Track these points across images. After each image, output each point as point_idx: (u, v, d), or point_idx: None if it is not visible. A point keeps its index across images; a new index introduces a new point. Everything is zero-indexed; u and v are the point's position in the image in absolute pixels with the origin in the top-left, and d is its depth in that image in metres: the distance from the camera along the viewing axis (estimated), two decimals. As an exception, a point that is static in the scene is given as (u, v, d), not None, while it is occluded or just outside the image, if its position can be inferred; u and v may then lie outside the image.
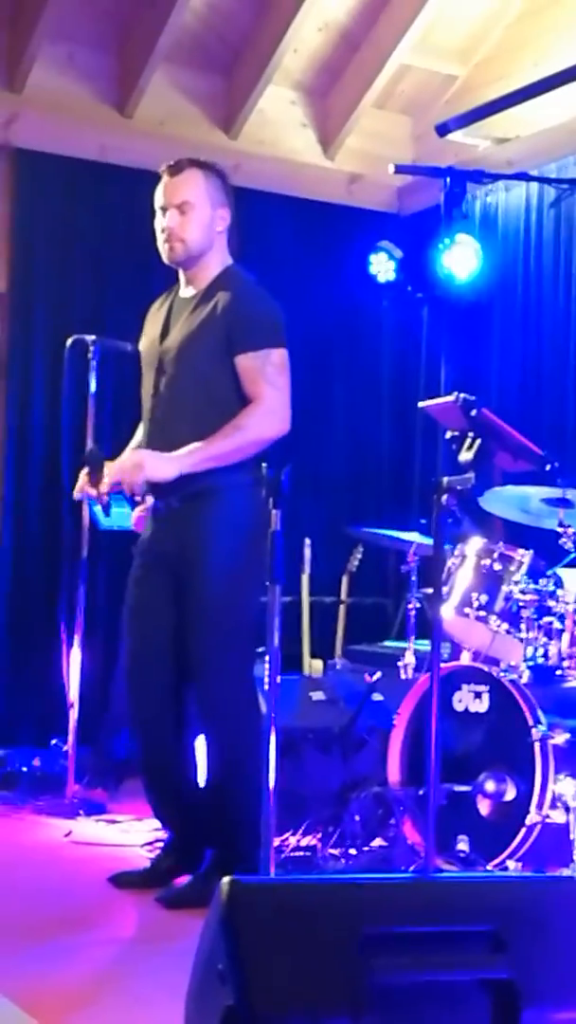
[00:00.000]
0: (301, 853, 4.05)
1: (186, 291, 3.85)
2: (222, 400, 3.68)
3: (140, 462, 3.63)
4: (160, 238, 3.81)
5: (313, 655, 5.95)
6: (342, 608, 6.20)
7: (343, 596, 6.21)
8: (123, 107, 6.13)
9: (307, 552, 5.97)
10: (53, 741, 5.30)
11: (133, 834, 4.52)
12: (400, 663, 4.77)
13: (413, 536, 5.01)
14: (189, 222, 3.75)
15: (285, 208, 6.53)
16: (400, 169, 3.36)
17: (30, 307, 6.00)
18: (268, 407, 3.65)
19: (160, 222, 3.81)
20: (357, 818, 4.07)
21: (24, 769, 5.14)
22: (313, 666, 5.88)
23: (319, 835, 4.09)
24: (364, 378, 6.81)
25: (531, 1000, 2.06)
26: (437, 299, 3.21)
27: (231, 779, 3.64)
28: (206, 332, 3.69)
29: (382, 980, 2.05)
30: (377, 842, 4.12)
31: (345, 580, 6.21)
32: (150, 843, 4.32)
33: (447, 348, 6.19)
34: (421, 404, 3.20)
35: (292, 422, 6.59)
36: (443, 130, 4.85)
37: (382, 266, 6.25)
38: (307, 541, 5.97)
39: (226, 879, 2.11)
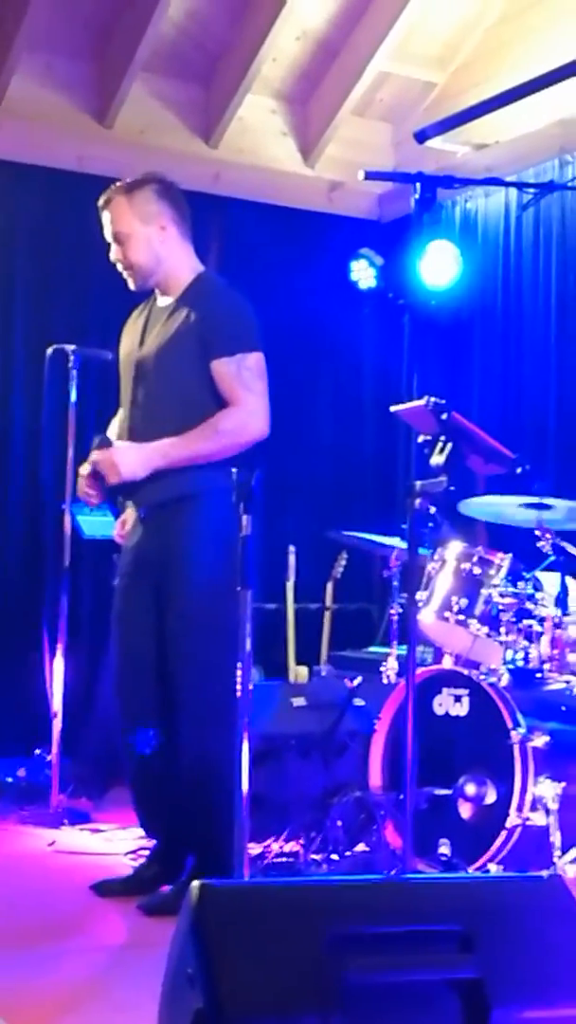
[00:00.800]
0: (283, 859, 4.05)
1: (162, 300, 3.88)
2: (199, 406, 3.68)
3: (115, 462, 3.65)
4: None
5: (299, 662, 5.95)
6: (327, 614, 6.20)
7: (328, 603, 6.22)
8: (102, 117, 6.14)
9: (292, 559, 5.97)
10: (37, 751, 5.29)
11: (117, 843, 4.52)
12: (382, 668, 4.77)
13: (395, 541, 5.02)
14: (129, 250, 3.80)
15: (265, 216, 6.55)
16: (370, 175, 3.36)
17: (10, 317, 6.01)
18: (246, 410, 3.68)
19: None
20: (339, 823, 4.07)
21: (8, 779, 5.14)
22: (299, 673, 5.88)
23: (301, 841, 4.09)
24: (346, 385, 6.83)
25: (500, 999, 2.06)
26: (417, 305, 3.23)
27: (207, 784, 3.63)
28: (181, 339, 3.71)
29: (351, 980, 2.05)
30: (360, 847, 4.12)
31: (330, 587, 6.21)
32: (134, 851, 4.32)
33: (428, 354, 6.21)
34: (393, 408, 3.20)
35: (274, 429, 6.60)
36: (422, 137, 4.84)
37: (363, 273, 6.25)
38: (291, 548, 5.98)
39: (195, 883, 2.11)
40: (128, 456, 3.65)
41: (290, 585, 5.95)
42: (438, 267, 5.94)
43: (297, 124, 6.59)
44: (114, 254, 3.84)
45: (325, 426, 6.78)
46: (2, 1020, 2.76)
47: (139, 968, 3.16)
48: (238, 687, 3.00)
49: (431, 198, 3.17)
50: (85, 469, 3.76)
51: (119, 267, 3.85)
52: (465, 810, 3.91)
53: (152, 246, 3.78)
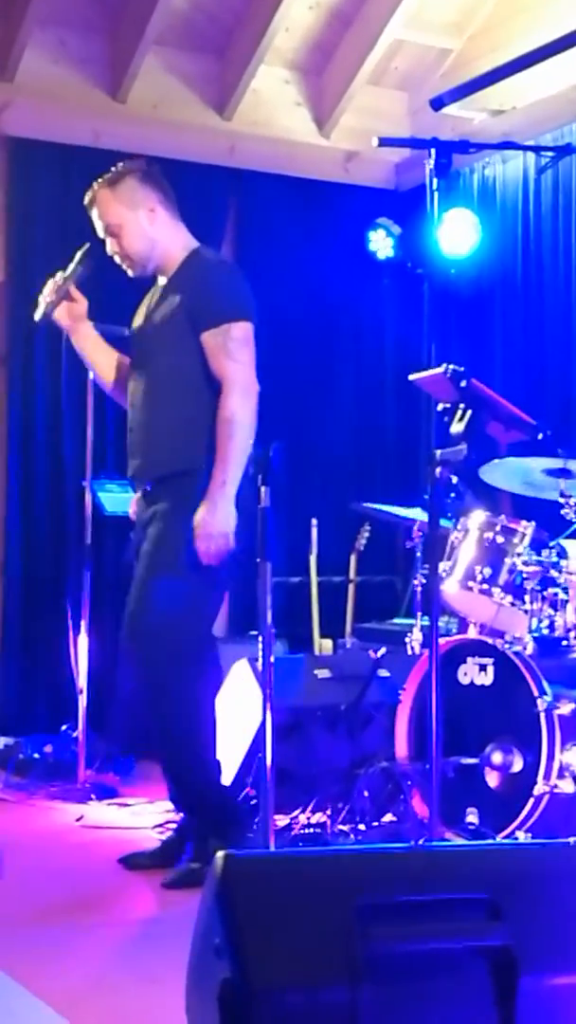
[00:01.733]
0: (311, 830, 4.06)
1: (162, 280, 3.93)
2: (189, 379, 3.73)
3: (210, 534, 3.64)
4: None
5: (323, 635, 5.95)
6: (351, 587, 6.19)
7: (351, 575, 6.20)
8: (116, 92, 6.11)
9: (314, 532, 5.96)
10: (64, 727, 5.31)
11: (145, 817, 4.54)
12: (407, 639, 4.76)
13: (417, 512, 5.00)
14: (123, 241, 3.84)
15: (281, 188, 6.51)
16: (384, 142, 3.33)
17: (29, 295, 5.98)
18: (239, 387, 3.71)
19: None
20: (366, 794, 4.08)
21: (36, 756, 5.16)
22: (323, 646, 5.88)
23: (328, 812, 4.09)
24: (366, 356, 6.79)
25: (528, 967, 2.05)
26: (436, 274, 3.19)
27: (176, 749, 3.73)
28: (172, 316, 3.76)
29: (378, 950, 2.04)
30: (387, 817, 4.13)
31: (353, 559, 6.20)
32: (161, 825, 4.33)
33: (448, 323, 6.19)
34: (412, 377, 3.18)
35: (294, 402, 6.64)
36: (438, 104, 4.80)
37: (381, 243, 6.24)
38: (314, 521, 5.97)
39: (220, 853, 2.11)
40: (209, 521, 3.64)
41: (313, 558, 5.95)
42: (457, 235, 5.92)
43: (312, 94, 6.54)
44: (110, 247, 3.88)
45: (345, 398, 6.75)
46: (31, 994, 2.78)
47: (168, 940, 3.17)
48: (259, 660, 2.99)
49: (447, 164, 3.14)
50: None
51: (116, 259, 3.90)
52: (492, 779, 3.91)
53: (145, 231, 3.82)
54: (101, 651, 5.20)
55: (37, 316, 3.96)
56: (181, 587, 3.68)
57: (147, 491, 3.84)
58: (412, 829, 3.95)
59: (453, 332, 6.18)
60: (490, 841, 3.62)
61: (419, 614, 4.81)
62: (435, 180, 3.09)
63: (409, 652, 4.54)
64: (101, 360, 4.05)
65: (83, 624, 4.99)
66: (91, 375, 5.05)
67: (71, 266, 3.95)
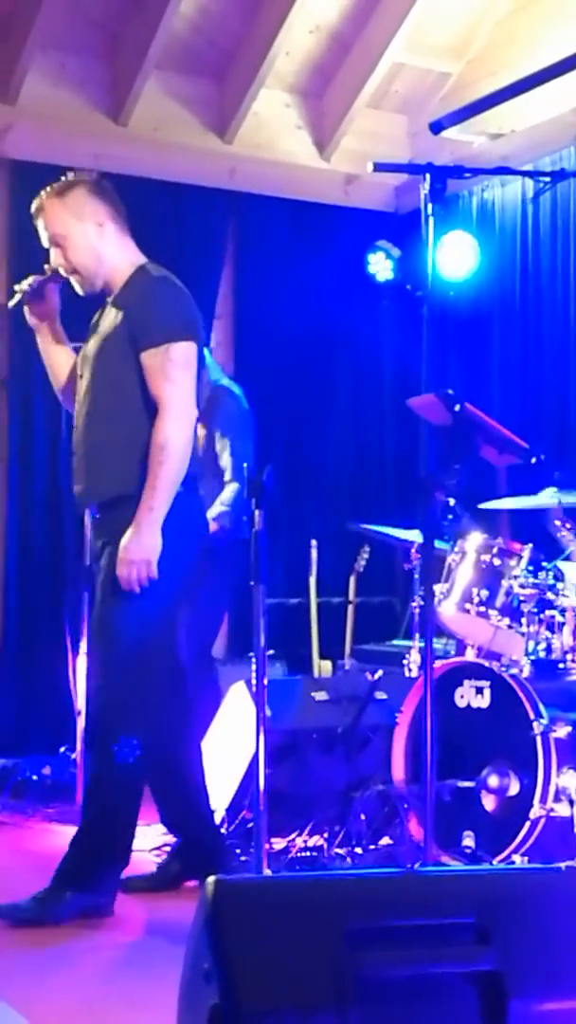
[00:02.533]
0: (307, 853, 4.05)
1: (110, 298, 3.80)
2: (129, 400, 3.62)
3: (132, 560, 3.53)
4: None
5: (323, 656, 5.95)
6: (350, 608, 6.19)
7: (351, 596, 6.20)
8: (117, 115, 6.14)
9: (314, 553, 5.97)
10: (62, 749, 5.30)
11: (141, 839, 4.51)
12: (404, 661, 4.76)
13: (415, 534, 5.00)
14: (69, 252, 3.71)
15: (282, 210, 6.56)
16: (379, 167, 3.34)
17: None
18: (175, 410, 3.58)
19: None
20: (363, 817, 4.07)
21: (34, 777, 5.15)
22: (323, 667, 5.88)
23: (325, 835, 4.09)
24: (366, 378, 6.81)
25: (518, 991, 2.05)
26: (434, 296, 3.21)
27: (93, 786, 3.67)
28: (113, 335, 3.66)
29: (367, 974, 2.04)
30: (384, 841, 4.12)
31: (353, 580, 6.20)
32: (158, 848, 4.31)
33: (446, 346, 6.20)
34: (408, 401, 3.19)
35: (293, 423, 6.64)
36: (437, 128, 4.84)
37: (380, 265, 6.27)
38: (313, 543, 5.98)
39: (210, 878, 2.11)
40: (132, 548, 3.54)
41: (312, 579, 5.95)
42: (456, 258, 5.94)
43: (312, 117, 6.57)
44: (54, 259, 3.75)
45: (344, 420, 6.77)
46: (22, 1017, 2.77)
47: (161, 965, 3.14)
48: (254, 682, 2.99)
49: (442, 189, 3.15)
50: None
51: (62, 272, 3.76)
52: (489, 802, 3.90)
53: (91, 244, 3.70)
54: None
55: (11, 303, 3.85)
56: (138, 627, 3.60)
57: (95, 518, 3.79)
58: (408, 852, 3.94)
59: (451, 355, 6.21)
60: (479, 866, 3.61)
61: (417, 636, 4.82)
62: (430, 204, 3.10)
63: (407, 674, 4.54)
64: (62, 363, 3.91)
65: (82, 645, 4.99)
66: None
67: (54, 268, 3.81)
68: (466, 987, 2.07)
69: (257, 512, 2.89)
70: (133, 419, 3.61)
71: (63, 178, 3.81)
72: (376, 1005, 2.04)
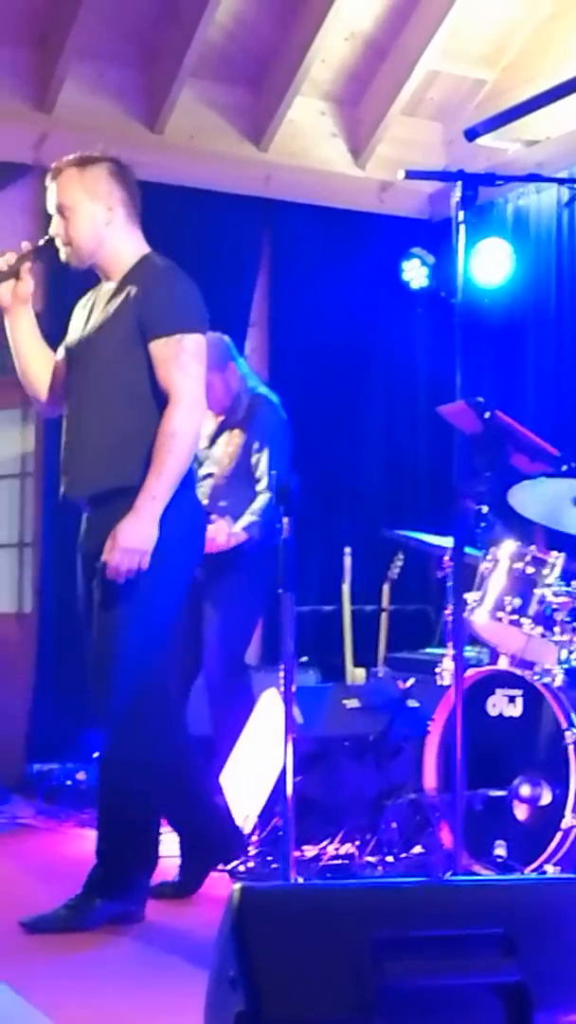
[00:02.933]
0: (339, 861, 4.04)
1: (107, 285, 3.72)
2: (134, 389, 3.55)
3: (127, 548, 3.46)
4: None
5: (357, 664, 5.95)
6: (384, 616, 6.18)
7: (385, 604, 6.20)
8: (153, 123, 6.17)
9: (347, 561, 5.97)
10: (96, 754, 5.31)
11: (172, 845, 4.52)
12: (437, 669, 4.75)
13: (449, 541, 4.98)
14: (70, 225, 3.62)
15: (317, 218, 6.56)
16: (411, 175, 3.34)
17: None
18: (187, 401, 3.51)
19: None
20: (394, 825, 4.06)
21: (68, 783, 5.18)
22: (356, 675, 5.88)
23: (356, 843, 4.08)
24: (400, 385, 6.80)
25: (543, 1003, 2.05)
26: (468, 303, 3.21)
27: (115, 793, 3.60)
28: (118, 321, 3.57)
29: (392, 984, 2.04)
30: (415, 849, 4.11)
31: (387, 588, 6.19)
32: (189, 854, 4.32)
33: (481, 353, 6.19)
34: (439, 408, 3.18)
35: (328, 430, 6.63)
36: (472, 135, 4.84)
37: (415, 272, 6.25)
38: (347, 550, 5.98)
39: (236, 886, 2.12)
40: (129, 535, 3.46)
41: (346, 587, 5.96)
42: (491, 265, 5.93)
43: (347, 125, 6.58)
44: (54, 227, 3.66)
45: (379, 427, 6.77)
46: (42, 1014, 2.78)
47: (189, 972, 3.16)
48: (281, 689, 2.99)
49: (473, 196, 3.15)
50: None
51: (58, 241, 3.66)
52: (520, 811, 3.88)
53: (96, 225, 3.62)
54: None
55: None
56: (142, 626, 3.56)
57: (88, 513, 3.68)
58: (440, 861, 3.92)
59: (486, 362, 6.19)
60: (506, 876, 3.59)
61: (450, 644, 4.80)
62: (462, 212, 3.10)
63: (439, 682, 4.53)
64: (32, 352, 3.77)
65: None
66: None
67: (38, 244, 3.70)
68: (492, 998, 2.07)
69: (285, 520, 2.89)
70: (137, 408, 3.54)
71: (89, 152, 3.74)
72: (401, 1015, 2.04)
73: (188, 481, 3.63)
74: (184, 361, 3.52)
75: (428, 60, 6.23)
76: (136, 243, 3.72)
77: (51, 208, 3.67)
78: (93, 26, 5.79)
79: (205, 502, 5.00)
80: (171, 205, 6.25)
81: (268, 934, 2.08)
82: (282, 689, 2.92)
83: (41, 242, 3.70)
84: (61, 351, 3.82)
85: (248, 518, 4.85)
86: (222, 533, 4.77)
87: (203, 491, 5.05)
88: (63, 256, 3.69)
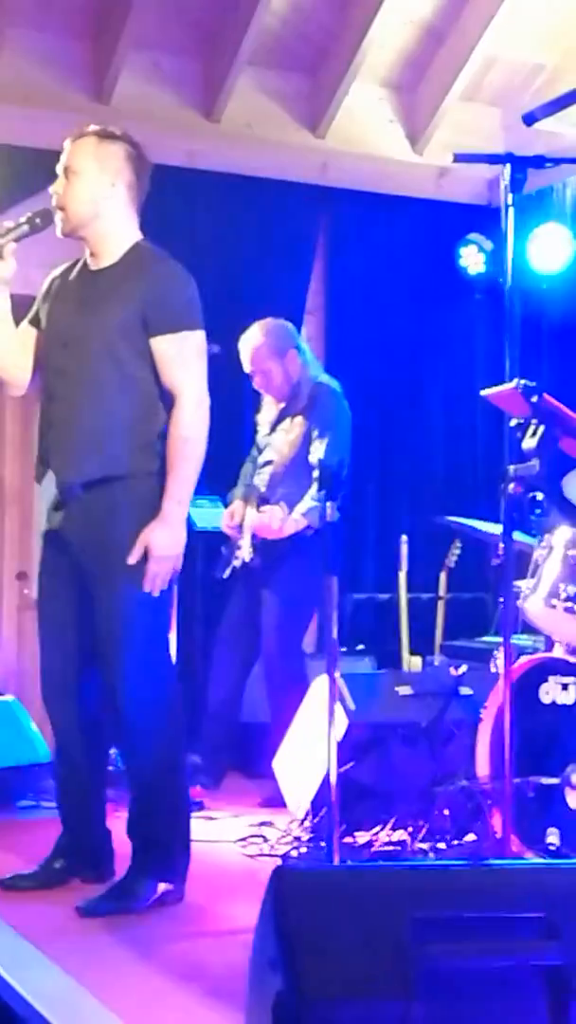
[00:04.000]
0: (391, 848, 4.04)
1: (91, 263, 3.67)
2: (132, 377, 3.53)
3: (165, 556, 3.49)
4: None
5: (413, 652, 5.94)
6: (440, 604, 6.17)
7: (441, 592, 6.18)
8: (210, 112, 6.18)
9: (404, 549, 5.96)
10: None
11: (228, 830, 4.55)
12: (493, 657, 4.73)
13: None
14: (70, 188, 3.59)
15: (373, 205, 6.55)
16: (459, 158, 3.33)
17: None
18: (193, 401, 3.53)
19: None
20: (446, 812, 4.05)
21: (111, 767, 5.19)
22: (412, 663, 5.87)
23: (408, 830, 4.08)
24: (457, 371, 6.76)
25: (585, 988, 2.04)
26: (526, 290, 3.18)
27: (154, 775, 3.63)
28: (119, 307, 3.53)
29: (433, 965, 2.04)
30: (468, 836, 4.10)
31: (443, 576, 6.18)
32: (244, 839, 4.35)
33: (538, 337, 6.14)
34: (483, 392, 3.16)
35: (385, 417, 6.61)
36: (530, 119, 4.79)
37: (472, 259, 6.24)
38: (404, 538, 5.97)
39: (276, 867, 2.13)
40: (166, 544, 3.49)
41: (402, 575, 5.94)
42: (549, 251, 5.89)
43: (404, 111, 6.55)
44: (55, 186, 3.63)
45: (436, 414, 6.74)
46: (101, 1003, 2.81)
47: (234, 953, 3.17)
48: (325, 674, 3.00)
49: (522, 179, 3.12)
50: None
51: (54, 200, 3.62)
52: (573, 799, 3.85)
53: (95, 196, 3.58)
54: (187, 666, 5.24)
55: None
56: (154, 613, 3.59)
57: (66, 498, 3.60)
58: (492, 848, 3.91)
59: (543, 347, 6.14)
60: (548, 860, 3.57)
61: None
62: (511, 195, 3.08)
63: (492, 670, 4.51)
64: (5, 332, 3.68)
65: (171, 638, 5.03)
66: None
67: (14, 224, 3.63)
68: (533, 981, 2.06)
69: (330, 504, 2.89)
70: (135, 396, 3.52)
71: (115, 129, 3.72)
72: (441, 996, 2.04)
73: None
74: (188, 359, 3.54)
75: (486, 45, 6.18)
76: (131, 227, 3.67)
77: (59, 168, 3.65)
78: (149, 15, 5.81)
79: (263, 489, 5.02)
80: (228, 193, 6.28)
81: (308, 915, 2.09)
82: (337, 674, 2.92)
83: (23, 219, 3.63)
84: (26, 325, 3.76)
85: (307, 503, 4.85)
86: (276, 519, 4.78)
87: (262, 478, 5.06)
88: (58, 224, 3.63)
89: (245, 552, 4.99)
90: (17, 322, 3.75)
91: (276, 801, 4.72)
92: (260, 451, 5.16)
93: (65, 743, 3.81)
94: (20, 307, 3.78)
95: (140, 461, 3.54)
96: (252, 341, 5.07)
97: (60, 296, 3.70)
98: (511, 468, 3.01)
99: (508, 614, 3.03)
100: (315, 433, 4.95)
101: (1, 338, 3.71)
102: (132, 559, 3.49)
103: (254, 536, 4.95)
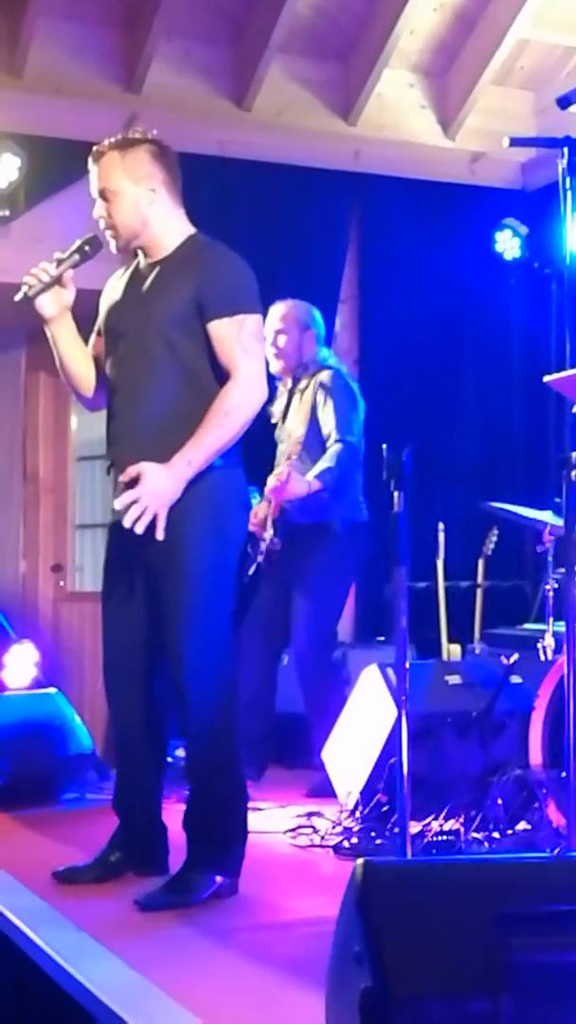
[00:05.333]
0: (444, 838, 4.02)
1: (146, 260, 3.67)
2: (192, 365, 3.52)
3: (148, 489, 3.42)
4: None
5: (451, 640, 5.92)
6: (479, 592, 6.14)
7: (480, 580, 6.16)
8: (241, 100, 6.16)
9: (441, 536, 5.93)
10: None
11: (276, 821, 4.54)
12: (539, 645, 4.70)
13: (547, 515, 4.94)
14: (114, 208, 3.59)
15: (407, 191, 6.52)
16: (516, 142, 3.30)
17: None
18: (248, 382, 3.50)
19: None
20: (500, 802, 4.03)
21: (169, 759, 5.19)
22: (451, 651, 5.85)
23: (462, 819, 4.06)
24: (493, 358, 6.74)
25: None
26: (565, 275, 3.16)
27: (214, 769, 3.61)
28: (176, 297, 3.53)
29: (521, 959, 2.02)
30: (521, 825, 4.08)
31: (481, 563, 6.15)
32: (293, 830, 4.33)
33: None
34: (546, 379, 3.13)
35: (421, 404, 6.59)
36: (564, 103, 4.76)
37: (508, 243, 6.21)
38: (441, 525, 5.94)
39: (359, 861, 2.11)
40: (161, 490, 3.43)
41: (440, 562, 5.92)
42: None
43: (436, 96, 6.52)
44: (98, 211, 3.63)
45: (472, 400, 6.72)
46: (171, 999, 2.80)
47: (307, 946, 3.16)
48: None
49: (578, 163, 3.09)
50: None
51: (101, 224, 3.64)
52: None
53: (139, 207, 3.57)
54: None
55: (18, 297, 3.62)
56: (219, 600, 3.55)
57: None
58: (547, 838, 3.89)
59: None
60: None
61: (551, 619, 4.76)
62: (568, 179, 3.05)
63: (542, 658, 4.49)
64: (75, 356, 3.75)
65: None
66: None
67: (69, 251, 3.65)
68: (623, 974, 2.04)
69: (397, 494, 2.87)
70: (194, 384, 3.52)
71: (129, 133, 3.69)
72: (530, 990, 2.02)
73: (233, 456, 3.59)
74: (246, 342, 3.51)
75: (518, 28, 6.15)
76: (181, 221, 3.68)
77: (94, 192, 3.65)
78: (180, 4, 5.79)
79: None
80: (260, 182, 6.25)
81: (393, 910, 2.07)
82: (391, 665, 2.90)
83: (73, 247, 3.66)
84: (93, 338, 3.80)
85: (323, 464, 4.83)
86: (297, 482, 4.74)
87: (282, 460, 5.02)
88: (111, 243, 3.66)
89: (266, 536, 4.95)
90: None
91: (322, 791, 4.72)
92: (279, 443, 5.15)
93: (126, 737, 3.79)
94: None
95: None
96: (282, 306, 5.11)
97: (117, 294, 3.71)
98: (574, 455, 2.99)
99: (571, 602, 3.00)
100: (319, 399, 4.95)
101: (72, 357, 3.75)
102: (123, 477, 3.44)
103: (276, 520, 4.93)
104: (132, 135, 3.68)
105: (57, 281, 3.63)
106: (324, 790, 4.76)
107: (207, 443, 3.46)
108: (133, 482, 3.45)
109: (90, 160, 3.65)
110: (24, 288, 3.62)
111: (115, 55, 5.98)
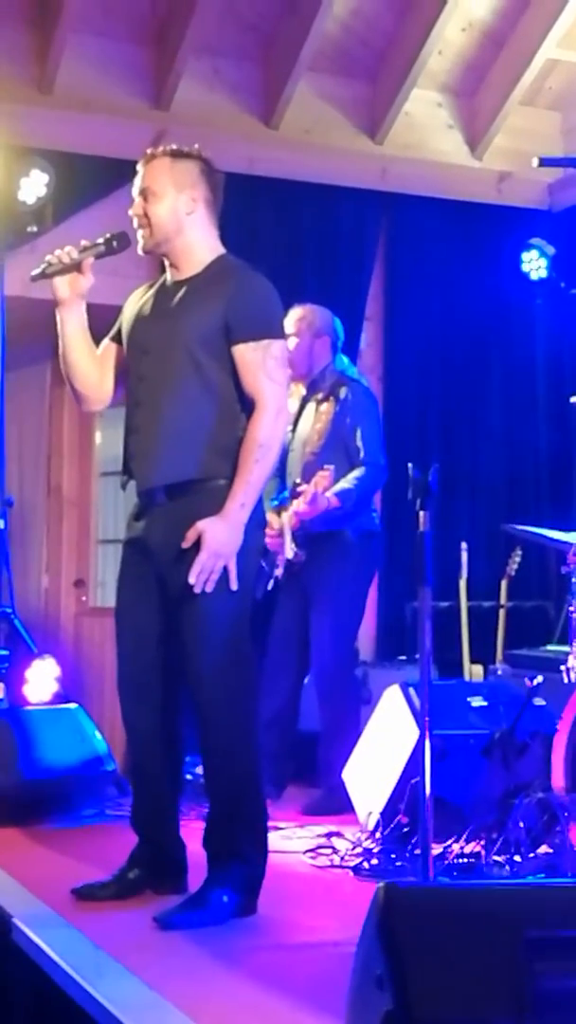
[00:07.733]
0: (465, 860, 3.99)
1: (173, 276, 3.66)
2: (215, 385, 3.51)
3: (219, 552, 3.43)
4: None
5: (473, 660, 5.88)
6: (502, 612, 6.10)
7: (502, 600, 6.12)
8: (269, 118, 6.18)
9: (464, 556, 5.90)
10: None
11: (295, 841, 4.52)
12: (562, 667, 4.66)
13: (572, 536, 4.91)
14: (150, 207, 3.58)
15: (433, 210, 6.53)
16: (545, 162, 3.29)
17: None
18: (273, 409, 3.49)
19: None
20: (521, 824, 3.99)
21: (188, 777, 5.17)
22: (473, 671, 5.81)
23: (483, 842, 4.02)
24: (519, 377, 6.73)
25: None
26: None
27: (235, 788, 3.59)
28: (203, 316, 3.52)
29: (546, 985, 2.00)
30: (543, 849, 4.04)
31: (504, 584, 6.11)
32: (313, 849, 4.31)
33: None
34: (573, 399, 3.11)
35: (446, 423, 6.58)
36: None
37: (534, 263, 6.18)
38: (464, 545, 5.91)
39: (381, 884, 2.09)
40: (224, 541, 3.44)
41: (463, 583, 5.88)
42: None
43: (464, 116, 6.53)
44: (135, 208, 3.62)
45: (498, 420, 6.70)
46: (187, 1016, 2.78)
47: (325, 968, 3.14)
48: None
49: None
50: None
51: (135, 223, 3.62)
52: None
53: (177, 213, 3.58)
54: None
55: (34, 271, 3.62)
56: (236, 617, 3.53)
57: (162, 506, 3.58)
58: (569, 861, 3.85)
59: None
60: None
61: (574, 642, 4.72)
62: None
63: (566, 680, 4.45)
64: (80, 347, 3.72)
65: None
66: None
67: (91, 243, 3.65)
68: None
69: (423, 513, 2.85)
70: (217, 403, 3.51)
71: (184, 147, 3.69)
72: (553, 1015, 1.99)
73: None
74: (271, 367, 3.50)
75: (546, 49, 6.16)
76: (213, 240, 3.69)
77: (135, 190, 3.65)
78: (209, 22, 5.82)
79: (298, 480, 4.96)
80: (287, 199, 6.27)
81: (415, 933, 2.05)
82: (414, 685, 2.88)
83: (101, 239, 3.66)
84: (107, 342, 3.78)
85: (343, 484, 4.83)
86: (320, 500, 4.73)
87: (295, 469, 5.02)
88: (140, 241, 3.63)
89: (289, 551, 4.92)
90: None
91: (318, 810, 4.77)
92: (289, 451, 5.11)
93: (143, 753, 3.78)
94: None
95: (220, 467, 3.51)
96: (299, 310, 5.11)
97: (142, 308, 3.70)
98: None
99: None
100: (347, 421, 4.94)
101: (77, 347, 3.73)
102: (185, 544, 3.44)
103: (296, 532, 4.92)
104: (188, 148, 3.69)
105: (77, 267, 3.62)
106: (320, 808, 4.76)
107: (251, 480, 3.47)
108: (195, 545, 3.44)
109: (140, 162, 3.66)
110: (43, 265, 3.62)
111: (144, 72, 6.01)
